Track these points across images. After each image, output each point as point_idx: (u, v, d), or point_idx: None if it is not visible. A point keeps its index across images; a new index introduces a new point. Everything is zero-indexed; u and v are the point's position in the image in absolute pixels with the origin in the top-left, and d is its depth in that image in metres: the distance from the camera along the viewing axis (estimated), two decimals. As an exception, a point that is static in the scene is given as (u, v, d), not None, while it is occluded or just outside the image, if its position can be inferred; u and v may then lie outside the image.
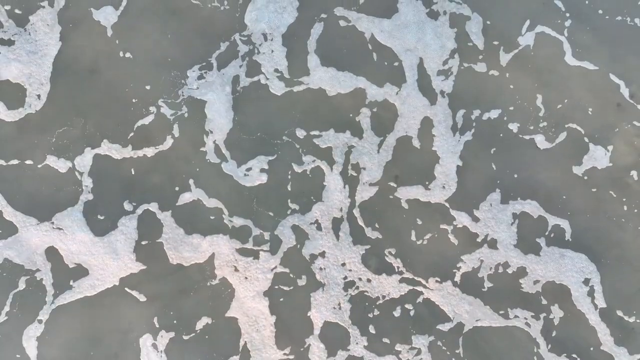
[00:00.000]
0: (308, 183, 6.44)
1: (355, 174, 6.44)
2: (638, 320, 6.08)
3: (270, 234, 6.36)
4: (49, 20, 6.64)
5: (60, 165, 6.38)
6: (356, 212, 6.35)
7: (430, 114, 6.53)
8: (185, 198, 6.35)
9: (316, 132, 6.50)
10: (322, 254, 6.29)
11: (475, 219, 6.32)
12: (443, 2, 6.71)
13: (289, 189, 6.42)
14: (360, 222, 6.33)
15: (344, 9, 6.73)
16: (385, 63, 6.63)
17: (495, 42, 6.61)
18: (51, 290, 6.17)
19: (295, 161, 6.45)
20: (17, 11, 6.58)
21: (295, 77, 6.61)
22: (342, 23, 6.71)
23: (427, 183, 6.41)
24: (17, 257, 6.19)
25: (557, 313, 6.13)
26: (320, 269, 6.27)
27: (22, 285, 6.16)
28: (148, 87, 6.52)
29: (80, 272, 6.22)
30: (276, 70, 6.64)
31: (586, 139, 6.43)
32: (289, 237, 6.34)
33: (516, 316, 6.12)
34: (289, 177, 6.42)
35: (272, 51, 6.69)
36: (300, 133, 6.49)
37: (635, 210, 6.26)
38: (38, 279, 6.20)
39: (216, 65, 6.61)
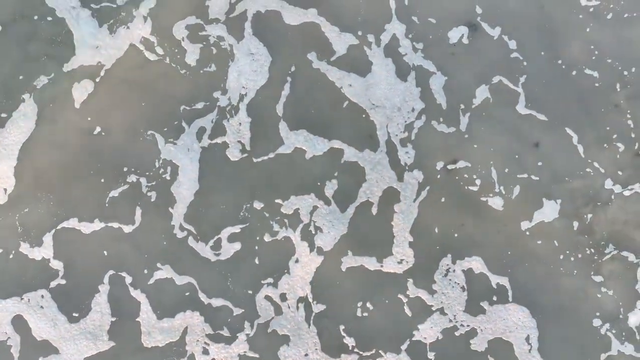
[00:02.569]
0: (277, 254, 6.62)
1: (319, 246, 6.65)
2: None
3: (244, 312, 6.57)
4: (29, 111, 6.62)
5: (26, 247, 6.44)
6: (307, 288, 6.61)
7: (398, 186, 6.75)
8: (158, 275, 6.47)
9: (280, 201, 6.66)
10: (287, 339, 6.54)
11: (431, 291, 6.57)
12: (412, 54, 6.85)
13: (257, 262, 6.57)
14: (310, 298, 6.59)
15: (318, 59, 6.82)
16: (357, 124, 6.80)
17: (457, 100, 6.82)
18: (19, 365, 6.33)
19: (264, 231, 6.63)
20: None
21: (262, 145, 6.72)
22: (313, 76, 6.80)
23: (382, 256, 6.66)
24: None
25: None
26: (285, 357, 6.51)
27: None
28: (120, 160, 6.60)
29: (50, 349, 6.39)
30: (240, 142, 6.72)
31: (539, 193, 6.73)
32: (262, 310, 6.59)
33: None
34: (257, 248, 6.58)
35: (240, 123, 6.75)
36: (266, 200, 6.64)
37: (577, 256, 6.65)
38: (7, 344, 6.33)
39: (187, 134, 6.68)
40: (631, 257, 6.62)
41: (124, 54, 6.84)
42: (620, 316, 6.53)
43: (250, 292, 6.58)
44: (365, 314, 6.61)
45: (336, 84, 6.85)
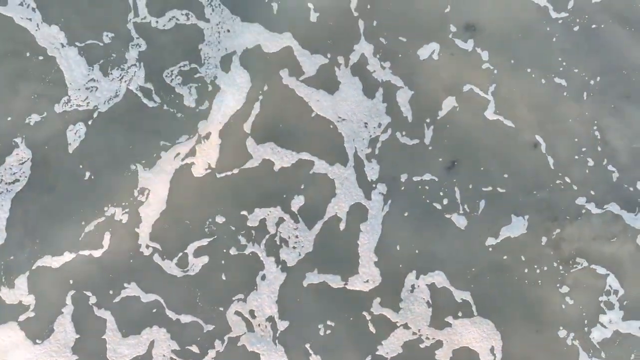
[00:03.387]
0: (244, 270, 6.66)
1: (284, 260, 6.71)
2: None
3: (214, 328, 6.62)
4: (24, 156, 6.68)
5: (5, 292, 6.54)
6: (274, 306, 6.70)
7: (366, 203, 6.80)
8: (124, 293, 6.50)
9: (246, 213, 6.70)
10: (257, 357, 6.58)
11: (397, 308, 6.63)
12: (380, 71, 6.91)
13: (224, 278, 6.60)
14: (276, 316, 6.68)
15: (289, 75, 6.87)
16: (326, 139, 6.86)
17: (422, 113, 6.85)
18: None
19: (230, 245, 6.66)
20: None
21: (229, 161, 6.77)
22: (284, 93, 6.87)
23: (347, 274, 6.72)
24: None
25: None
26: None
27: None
28: (101, 198, 6.67)
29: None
30: (207, 162, 6.78)
31: (507, 208, 6.78)
32: (234, 326, 6.65)
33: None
34: (224, 263, 6.62)
35: (210, 145, 6.80)
36: (232, 214, 6.68)
37: (543, 269, 6.71)
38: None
39: (163, 160, 6.75)
40: (600, 270, 6.69)
41: (119, 99, 6.87)
42: (585, 329, 6.61)
43: (221, 308, 6.63)
44: (329, 332, 6.67)
45: (305, 99, 6.90)
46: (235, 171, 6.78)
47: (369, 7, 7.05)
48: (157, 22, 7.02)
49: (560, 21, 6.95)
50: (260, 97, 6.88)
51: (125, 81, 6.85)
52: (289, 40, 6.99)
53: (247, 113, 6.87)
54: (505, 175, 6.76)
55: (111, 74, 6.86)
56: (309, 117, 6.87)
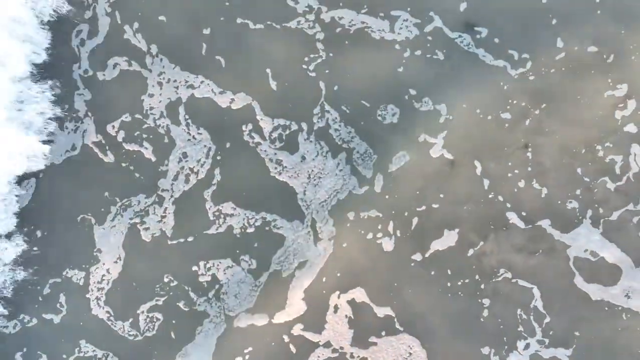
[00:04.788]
0: (192, 325, 6.92)
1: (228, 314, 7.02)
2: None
3: None
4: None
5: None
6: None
7: (313, 255, 7.08)
8: (78, 353, 6.62)
9: (196, 268, 6.87)
10: None
11: (320, 329, 7.11)
12: (341, 133, 7.12)
13: (173, 336, 6.83)
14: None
15: (248, 135, 6.94)
16: (285, 198, 7.05)
17: (377, 170, 7.17)
18: None
19: (181, 300, 6.84)
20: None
21: (183, 225, 6.87)
22: (245, 152, 6.94)
23: (274, 312, 7.17)
24: None
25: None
26: None
27: None
28: (60, 262, 6.76)
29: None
30: (161, 229, 6.83)
31: (439, 223, 7.17)
32: None
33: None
34: (175, 322, 6.84)
35: (163, 215, 6.82)
36: (184, 270, 6.85)
37: (465, 281, 7.15)
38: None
39: (118, 222, 6.74)
40: (521, 282, 7.15)
41: (76, 152, 6.75)
42: (506, 346, 7.14)
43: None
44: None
45: (265, 159, 6.99)
46: (193, 230, 6.89)
47: (327, 71, 7.05)
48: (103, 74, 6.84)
49: (516, 76, 7.19)
50: (219, 157, 6.92)
51: (83, 137, 6.71)
52: (245, 99, 6.98)
53: (207, 172, 6.91)
54: (441, 195, 7.13)
55: (68, 126, 6.71)
56: (268, 177, 6.98)
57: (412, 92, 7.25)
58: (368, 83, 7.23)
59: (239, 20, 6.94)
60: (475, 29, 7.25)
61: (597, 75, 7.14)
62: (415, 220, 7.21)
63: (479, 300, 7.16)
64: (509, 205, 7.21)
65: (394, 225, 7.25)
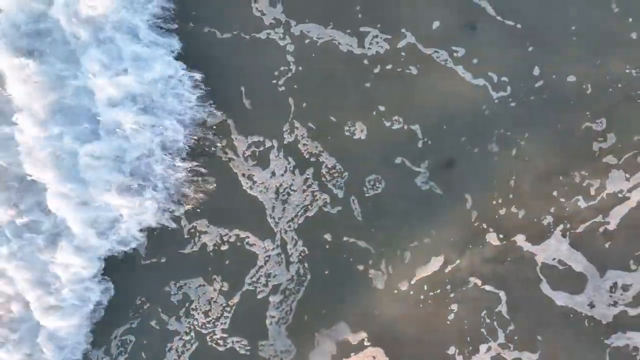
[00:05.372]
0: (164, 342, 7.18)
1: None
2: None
3: None
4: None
5: None
6: None
7: (287, 279, 7.34)
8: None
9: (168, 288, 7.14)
10: None
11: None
12: (310, 149, 7.16)
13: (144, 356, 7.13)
14: None
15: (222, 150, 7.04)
16: (257, 215, 7.29)
17: (350, 189, 7.34)
18: None
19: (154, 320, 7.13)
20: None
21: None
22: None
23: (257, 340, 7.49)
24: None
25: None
26: None
27: None
28: None
29: None
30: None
31: (427, 253, 7.35)
32: None
33: None
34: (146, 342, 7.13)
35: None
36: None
37: (436, 292, 7.35)
38: None
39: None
40: (488, 287, 7.30)
41: None
42: (470, 347, 7.33)
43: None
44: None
45: (238, 175, 7.09)
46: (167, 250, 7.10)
47: (295, 87, 7.00)
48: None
49: (496, 100, 7.15)
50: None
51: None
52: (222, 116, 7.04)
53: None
54: (433, 232, 7.24)
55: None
56: (242, 193, 7.06)
57: (381, 108, 7.20)
58: (337, 98, 7.16)
59: (205, 30, 6.97)
60: (452, 47, 7.13)
61: (577, 106, 7.08)
62: (407, 255, 7.30)
63: (448, 308, 7.30)
64: (491, 229, 7.26)
65: (385, 261, 7.31)
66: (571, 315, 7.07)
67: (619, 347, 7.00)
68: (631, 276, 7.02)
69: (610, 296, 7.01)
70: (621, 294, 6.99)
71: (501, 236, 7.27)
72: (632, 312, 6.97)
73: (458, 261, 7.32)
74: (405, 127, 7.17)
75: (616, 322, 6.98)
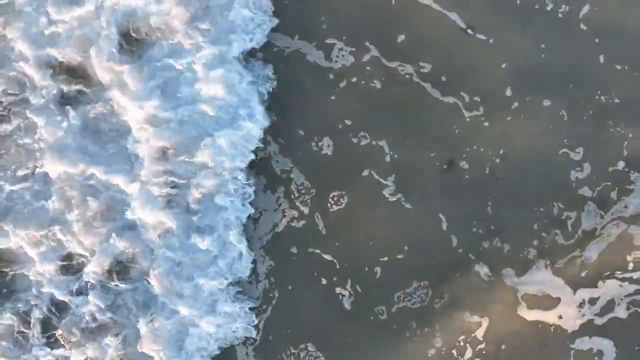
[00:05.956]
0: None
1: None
2: None
3: None
4: None
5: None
6: None
7: None
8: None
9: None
10: None
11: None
12: (280, 163, 7.22)
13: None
14: None
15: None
16: None
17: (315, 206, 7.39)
18: None
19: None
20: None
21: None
22: None
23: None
24: None
25: None
26: None
27: None
28: None
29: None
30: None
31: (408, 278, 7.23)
32: None
33: None
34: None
35: None
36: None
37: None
38: None
39: None
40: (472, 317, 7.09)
41: None
42: None
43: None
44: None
45: None
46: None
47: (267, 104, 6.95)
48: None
49: (468, 119, 7.16)
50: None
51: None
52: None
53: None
54: (405, 247, 7.07)
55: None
56: None
57: (348, 122, 7.07)
58: (304, 112, 7.07)
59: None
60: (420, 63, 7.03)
61: (554, 131, 7.00)
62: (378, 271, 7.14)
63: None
64: (474, 257, 7.07)
65: (351, 281, 7.15)
66: (539, 326, 6.96)
67: (583, 350, 6.93)
68: (598, 291, 6.88)
69: (579, 310, 6.92)
70: (589, 308, 6.89)
71: (487, 266, 7.05)
72: (599, 321, 6.89)
73: (446, 295, 6.99)
74: (373, 143, 7.03)
75: (582, 329, 6.89)
